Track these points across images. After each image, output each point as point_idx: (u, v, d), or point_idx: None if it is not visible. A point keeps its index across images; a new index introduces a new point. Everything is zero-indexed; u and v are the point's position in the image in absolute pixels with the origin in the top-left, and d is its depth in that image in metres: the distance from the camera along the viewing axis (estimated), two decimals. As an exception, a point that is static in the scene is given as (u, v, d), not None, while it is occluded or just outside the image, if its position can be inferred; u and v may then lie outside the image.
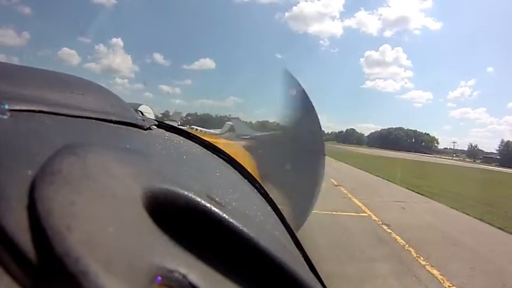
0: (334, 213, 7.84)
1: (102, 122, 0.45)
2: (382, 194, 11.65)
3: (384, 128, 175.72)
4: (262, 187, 0.73)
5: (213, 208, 0.27)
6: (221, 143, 1.53)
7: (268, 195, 0.71)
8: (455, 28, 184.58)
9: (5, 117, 0.30)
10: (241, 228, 0.27)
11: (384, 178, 16.61)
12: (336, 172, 16.97)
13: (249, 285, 0.26)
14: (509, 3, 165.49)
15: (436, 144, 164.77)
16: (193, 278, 0.21)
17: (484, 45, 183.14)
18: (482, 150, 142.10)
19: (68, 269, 0.16)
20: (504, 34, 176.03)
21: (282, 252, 0.28)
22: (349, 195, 10.51)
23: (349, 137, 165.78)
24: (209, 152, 0.75)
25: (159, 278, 0.20)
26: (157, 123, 0.71)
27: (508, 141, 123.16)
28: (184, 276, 0.21)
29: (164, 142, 0.60)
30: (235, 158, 0.78)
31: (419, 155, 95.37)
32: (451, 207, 10.51)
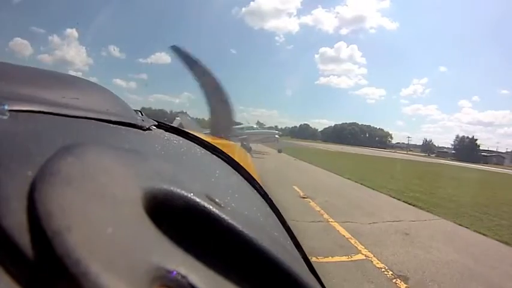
0: (314, 259, 4.62)
1: (101, 123, 0.45)
2: (369, 210, 8.51)
3: (337, 123, 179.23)
4: (262, 188, 0.73)
5: (213, 209, 0.27)
6: (221, 143, 1.29)
7: (267, 195, 0.72)
8: (410, 29, 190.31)
9: (5, 117, 0.30)
10: (240, 228, 0.27)
11: (357, 182, 13.91)
12: (298, 175, 14.52)
13: (248, 285, 0.26)
14: (462, 7, 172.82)
15: (390, 139, 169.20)
16: (193, 278, 0.21)
17: (438, 46, 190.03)
18: (434, 145, 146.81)
19: (69, 270, 0.17)
20: (456, 35, 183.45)
21: (282, 252, 0.28)
22: (325, 216, 7.34)
23: (303, 132, 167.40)
24: (209, 152, 0.75)
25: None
26: (156, 123, 0.70)
27: (463, 136, 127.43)
28: (184, 277, 0.21)
29: (163, 142, 0.60)
30: (234, 158, 0.78)
31: (375, 150, 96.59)
32: (476, 231, 7.53)
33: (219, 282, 0.24)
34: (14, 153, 0.25)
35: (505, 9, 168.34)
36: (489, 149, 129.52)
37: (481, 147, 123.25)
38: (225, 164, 0.75)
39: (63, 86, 0.49)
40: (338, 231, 6.34)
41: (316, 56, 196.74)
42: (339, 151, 50.70)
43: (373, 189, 12.32)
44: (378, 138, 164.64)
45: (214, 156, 0.75)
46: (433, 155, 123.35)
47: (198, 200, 0.27)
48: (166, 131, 0.73)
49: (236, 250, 0.27)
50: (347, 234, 6.11)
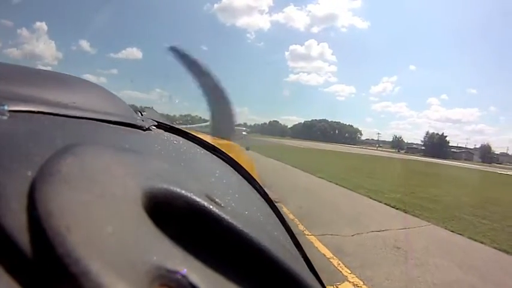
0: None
1: (101, 123, 0.45)
2: (350, 217, 7.19)
3: (307, 120, 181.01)
4: (262, 188, 0.73)
5: (213, 208, 0.27)
6: (221, 144, 1.30)
7: (267, 195, 0.72)
8: (381, 28, 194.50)
9: (4, 118, 0.30)
10: (241, 228, 0.27)
11: (331, 181, 12.31)
12: (267, 174, 11.96)
13: (248, 285, 0.26)
14: (432, 8, 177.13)
15: (359, 136, 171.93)
16: (193, 278, 0.21)
17: (408, 45, 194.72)
18: (404, 141, 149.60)
19: (69, 270, 0.17)
20: (426, 35, 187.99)
21: (282, 252, 0.28)
22: (300, 227, 6.00)
23: (273, 129, 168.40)
24: (209, 152, 0.76)
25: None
26: (156, 123, 0.71)
27: (433, 133, 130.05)
28: (184, 276, 0.21)
29: (163, 142, 0.61)
30: (234, 158, 0.79)
31: (345, 146, 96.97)
32: (472, 239, 6.57)
33: (219, 281, 0.25)
34: (13, 153, 0.25)
35: (474, 11, 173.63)
36: (458, 145, 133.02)
37: (450, 144, 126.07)
38: (225, 164, 0.75)
39: (63, 86, 0.50)
40: (317, 248, 5.04)
41: (287, 53, 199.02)
42: (309, 147, 49.27)
43: (350, 189, 10.96)
44: (347, 135, 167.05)
45: (214, 156, 0.76)
46: (402, 151, 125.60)
47: (198, 199, 0.27)
48: (166, 131, 0.74)
49: (236, 249, 0.27)
50: (328, 253, 4.84)
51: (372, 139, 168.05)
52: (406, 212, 8.31)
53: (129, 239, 0.21)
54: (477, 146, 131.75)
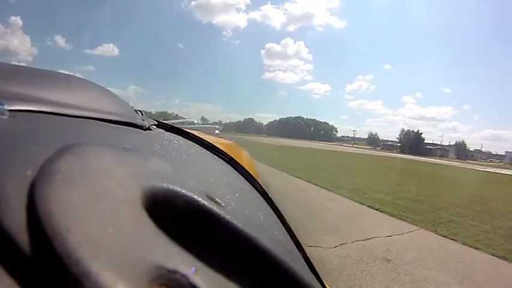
0: None
1: (101, 123, 0.45)
2: (331, 222, 6.30)
3: (282, 117, 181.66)
4: (262, 187, 0.73)
5: (213, 208, 0.27)
6: (221, 143, 1.14)
7: (268, 195, 0.72)
8: (357, 28, 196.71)
9: (4, 117, 0.30)
10: (241, 228, 0.27)
11: (309, 181, 11.08)
12: None
13: (249, 285, 0.26)
14: (407, 8, 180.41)
15: (335, 133, 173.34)
16: (193, 278, 0.21)
17: (384, 45, 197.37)
18: (379, 138, 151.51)
19: (69, 269, 0.17)
20: (402, 35, 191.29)
21: (282, 251, 0.29)
22: None
23: (248, 127, 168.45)
24: (209, 152, 0.76)
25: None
26: (156, 123, 0.72)
27: (408, 130, 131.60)
28: (184, 276, 0.21)
29: (164, 142, 0.60)
30: (235, 158, 0.79)
31: (321, 143, 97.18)
32: (466, 244, 5.93)
33: (220, 281, 0.25)
34: (13, 153, 0.25)
35: (448, 12, 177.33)
36: (433, 142, 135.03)
37: (425, 141, 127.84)
38: (225, 163, 0.75)
39: (63, 86, 0.50)
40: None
41: (263, 51, 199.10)
42: (284, 145, 48.51)
43: (329, 190, 9.94)
44: (323, 132, 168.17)
45: (214, 155, 0.76)
46: (378, 148, 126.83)
47: (198, 199, 0.27)
48: (166, 130, 0.75)
49: (236, 249, 0.27)
50: None
51: (348, 136, 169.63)
52: (391, 215, 7.56)
53: (129, 238, 0.20)
54: (452, 143, 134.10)
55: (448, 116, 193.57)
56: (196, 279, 0.21)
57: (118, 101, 0.60)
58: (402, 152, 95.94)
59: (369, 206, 8.30)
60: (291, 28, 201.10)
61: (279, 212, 0.68)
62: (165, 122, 0.81)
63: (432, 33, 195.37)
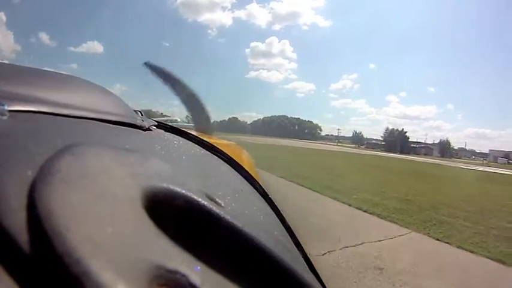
0: None
1: (101, 123, 0.46)
2: (318, 227, 5.57)
3: (267, 116, 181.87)
4: (262, 187, 0.74)
5: (213, 208, 0.27)
6: (221, 144, 1.09)
7: (267, 195, 0.72)
8: (343, 27, 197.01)
9: (4, 117, 0.30)
10: (241, 228, 0.27)
11: (293, 181, 10.41)
12: None
13: (249, 285, 0.26)
14: (392, 8, 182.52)
15: (319, 131, 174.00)
16: (193, 278, 0.21)
17: (368, 44, 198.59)
18: (364, 137, 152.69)
19: (69, 269, 0.17)
20: (386, 35, 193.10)
21: (282, 251, 0.29)
22: None
23: (232, 126, 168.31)
24: (209, 152, 0.76)
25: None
26: (156, 123, 0.72)
27: (393, 128, 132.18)
28: (183, 276, 0.21)
29: (163, 142, 0.61)
30: (234, 158, 0.79)
31: (305, 142, 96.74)
32: (461, 248, 5.61)
33: (220, 281, 0.25)
34: (13, 153, 0.25)
35: (432, 13, 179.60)
36: (418, 141, 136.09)
37: (410, 139, 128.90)
38: (225, 163, 0.75)
39: (63, 86, 0.50)
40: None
41: (247, 50, 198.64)
42: (268, 144, 48.02)
43: (315, 191, 9.50)
44: (307, 131, 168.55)
45: (214, 156, 0.76)
46: (363, 147, 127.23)
47: (198, 199, 0.27)
48: (166, 131, 0.75)
49: (236, 249, 0.27)
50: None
51: (332, 135, 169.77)
52: (381, 217, 7.17)
53: (129, 238, 0.21)
54: (436, 142, 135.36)
55: (432, 115, 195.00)
56: (196, 279, 0.21)
57: (118, 101, 0.60)
58: (387, 151, 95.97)
59: (357, 208, 7.86)
60: (277, 27, 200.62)
61: (279, 212, 0.68)
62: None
63: (417, 33, 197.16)
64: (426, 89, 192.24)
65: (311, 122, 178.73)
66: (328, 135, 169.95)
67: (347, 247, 4.92)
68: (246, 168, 0.78)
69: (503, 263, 5.06)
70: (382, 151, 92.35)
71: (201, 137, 0.81)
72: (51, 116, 0.37)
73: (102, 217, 0.21)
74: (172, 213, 0.26)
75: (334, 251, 4.71)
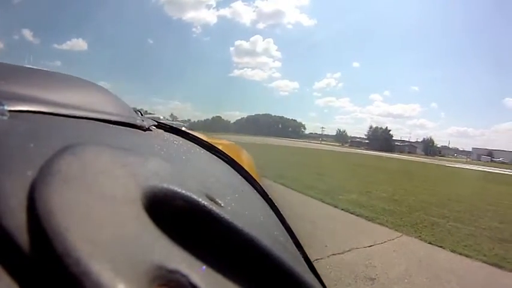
0: None
1: (101, 123, 0.46)
2: (303, 231, 4.13)
3: (250, 114, 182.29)
4: (262, 188, 0.73)
5: (213, 208, 0.27)
6: (221, 144, 1.24)
7: (268, 195, 0.72)
8: (327, 26, 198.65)
9: (4, 117, 0.30)
10: (241, 228, 0.27)
11: (276, 181, 9.63)
12: None
13: (249, 285, 0.26)
14: (376, 8, 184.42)
15: (303, 130, 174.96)
16: (193, 277, 0.21)
17: (352, 43, 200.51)
18: (348, 135, 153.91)
19: (69, 269, 0.17)
20: (370, 34, 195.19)
21: (282, 252, 0.28)
22: None
23: (216, 125, 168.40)
24: (209, 152, 0.76)
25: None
26: (156, 123, 0.72)
27: (376, 127, 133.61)
28: (184, 276, 0.21)
29: (163, 142, 0.61)
30: (235, 158, 0.78)
31: (289, 140, 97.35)
32: (455, 252, 5.31)
33: (220, 281, 0.24)
34: (13, 153, 0.25)
35: (415, 12, 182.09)
36: (401, 139, 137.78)
37: (393, 137, 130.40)
38: (225, 164, 0.75)
39: (63, 86, 0.50)
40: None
41: (232, 48, 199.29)
42: (251, 142, 47.66)
43: (299, 191, 9.00)
44: (291, 129, 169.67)
45: (214, 156, 0.76)
46: (347, 145, 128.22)
47: (198, 199, 0.27)
48: (166, 131, 0.75)
49: (236, 249, 0.27)
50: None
51: (316, 133, 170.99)
52: (369, 220, 6.78)
53: (129, 238, 0.20)
54: (419, 140, 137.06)
55: (415, 114, 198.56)
56: (196, 279, 0.21)
57: (118, 101, 0.60)
58: (371, 149, 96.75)
59: (343, 210, 7.42)
60: (261, 26, 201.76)
61: (279, 212, 0.68)
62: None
63: (401, 33, 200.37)
64: (410, 88, 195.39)
65: (295, 120, 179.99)
66: (312, 133, 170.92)
67: (335, 254, 4.50)
68: (246, 168, 0.78)
69: (500, 267, 4.79)
70: (366, 149, 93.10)
71: (201, 137, 0.81)
72: (51, 116, 0.37)
73: (102, 217, 0.20)
74: (172, 213, 0.26)
75: (322, 258, 4.31)
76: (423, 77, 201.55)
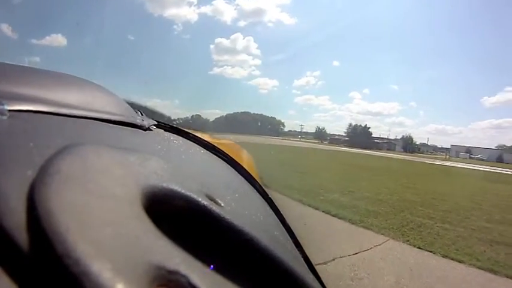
0: None
1: (101, 123, 0.46)
2: None
3: (229, 112, 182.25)
4: (262, 187, 0.73)
5: (213, 208, 0.27)
6: (221, 144, 1.01)
7: (267, 195, 0.72)
8: (308, 25, 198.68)
9: (4, 117, 0.30)
10: (241, 228, 0.27)
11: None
12: None
13: (249, 285, 0.26)
14: (356, 7, 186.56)
15: (282, 127, 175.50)
16: (193, 277, 0.21)
17: (333, 42, 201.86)
18: (327, 132, 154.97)
19: (69, 269, 0.17)
20: (350, 34, 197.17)
21: (282, 252, 0.29)
22: None
23: (195, 123, 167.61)
24: (209, 152, 0.76)
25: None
26: (156, 123, 0.71)
27: (356, 124, 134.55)
28: (184, 276, 0.21)
29: (163, 142, 0.61)
30: (234, 158, 0.79)
31: (268, 138, 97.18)
32: (447, 257, 4.93)
33: (220, 281, 0.24)
34: (13, 153, 0.25)
35: (395, 12, 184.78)
36: (381, 136, 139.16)
37: (373, 135, 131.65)
38: (225, 163, 0.75)
39: (63, 86, 0.49)
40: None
41: (212, 46, 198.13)
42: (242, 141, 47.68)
43: (276, 191, 8.33)
44: (270, 127, 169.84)
45: (214, 156, 0.76)
46: (326, 142, 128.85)
47: (198, 199, 0.27)
48: (166, 131, 0.74)
49: (236, 249, 0.27)
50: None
51: (295, 130, 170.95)
52: (352, 223, 6.29)
53: (129, 238, 0.20)
54: (398, 137, 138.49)
55: (394, 112, 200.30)
56: (196, 280, 0.21)
57: (118, 101, 0.60)
58: (350, 146, 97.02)
59: (324, 212, 6.89)
60: (242, 23, 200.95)
61: (279, 212, 0.68)
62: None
63: (381, 32, 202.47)
64: (389, 87, 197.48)
65: (274, 118, 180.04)
66: (291, 131, 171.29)
67: (316, 265, 3.96)
68: (246, 168, 0.77)
69: (495, 272, 4.46)
70: (345, 146, 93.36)
71: (201, 137, 0.80)
72: (51, 115, 0.37)
73: (102, 217, 0.20)
74: (172, 213, 0.26)
75: (301, 272, 3.74)
76: (402, 76, 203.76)
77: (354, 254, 4.57)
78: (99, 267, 0.17)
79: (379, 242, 5.32)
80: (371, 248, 4.96)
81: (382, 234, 5.76)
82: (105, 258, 0.18)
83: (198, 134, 0.85)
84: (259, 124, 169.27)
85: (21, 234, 0.18)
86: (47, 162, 0.23)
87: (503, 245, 5.73)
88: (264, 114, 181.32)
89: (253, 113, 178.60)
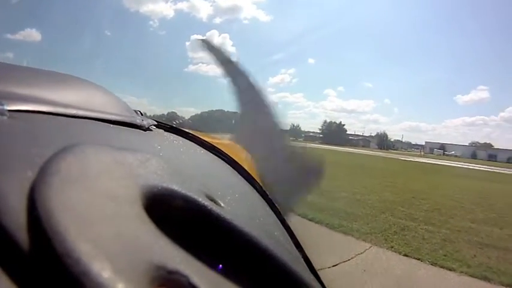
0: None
1: (101, 123, 0.45)
2: None
3: (204, 110, 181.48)
4: (262, 188, 0.73)
5: (213, 208, 0.27)
6: (221, 144, 0.99)
7: (267, 195, 0.71)
8: (283, 23, 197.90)
9: (4, 117, 0.30)
10: (241, 228, 0.27)
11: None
12: None
13: (249, 285, 0.26)
14: (331, 6, 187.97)
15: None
16: (193, 278, 0.21)
17: (307, 40, 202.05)
18: (301, 129, 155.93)
19: (69, 269, 0.17)
20: (326, 32, 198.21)
21: (282, 252, 0.29)
22: None
23: (172, 121, 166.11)
24: (209, 152, 0.75)
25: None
26: (156, 123, 0.71)
27: (331, 121, 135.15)
28: (184, 276, 0.21)
29: (163, 142, 0.61)
30: (235, 158, 0.78)
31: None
32: (436, 265, 4.54)
33: (220, 281, 0.25)
34: (13, 153, 0.25)
35: (370, 11, 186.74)
36: (355, 133, 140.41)
37: (347, 132, 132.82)
38: (225, 163, 0.75)
39: (63, 86, 0.49)
40: None
41: (188, 43, 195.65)
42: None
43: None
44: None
45: (214, 156, 0.75)
46: (300, 139, 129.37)
47: (198, 199, 0.27)
48: (166, 131, 0.74)
49: (236, 249, 0.27)
50: None
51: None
52: (331, 228, 5.82)
53: (129, 238, 0.20)
54: (373, 134, 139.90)
55: (369, 109, 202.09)
56: (196, 280, 0.21)
57: (118, 101, 0.60)
58: (325, 143, 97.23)
59: (300, 215, 6.27)
60: (218, 20, 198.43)
61: (279, 212, 0.67)
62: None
63: (356, 30, 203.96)
64: (363, 85, 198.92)
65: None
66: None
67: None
68: (246, 168, 0.77)
69: (488, 280, 4.17)
70: (320, 143, 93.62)
71: (201, 137, 0.80)
72: (51, 116, 0.37)
73: (102, 217, 0.20)
74: (172, 213, 0.26)
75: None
76: (377, 74, 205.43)
77: (333, 266, 4.06)
78: (99, 267, 0.17)
79: (360, 249, 4.84)
80: (352, 258, 4.48)
81: (364, 240, 5.31)
82: (105, 258, 0.17)
83: (198, 134, 0.82)
84: (233, 122, 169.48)
85: (21, 234, 0.18)
86: (47, 162, 0.23)
87: (492, 247, 5.43)
88: (238, 111, 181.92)
89: (227, 111, 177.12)
